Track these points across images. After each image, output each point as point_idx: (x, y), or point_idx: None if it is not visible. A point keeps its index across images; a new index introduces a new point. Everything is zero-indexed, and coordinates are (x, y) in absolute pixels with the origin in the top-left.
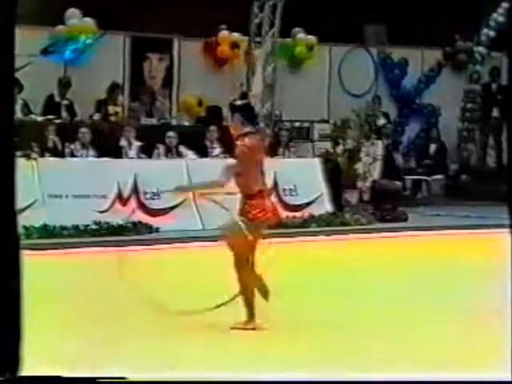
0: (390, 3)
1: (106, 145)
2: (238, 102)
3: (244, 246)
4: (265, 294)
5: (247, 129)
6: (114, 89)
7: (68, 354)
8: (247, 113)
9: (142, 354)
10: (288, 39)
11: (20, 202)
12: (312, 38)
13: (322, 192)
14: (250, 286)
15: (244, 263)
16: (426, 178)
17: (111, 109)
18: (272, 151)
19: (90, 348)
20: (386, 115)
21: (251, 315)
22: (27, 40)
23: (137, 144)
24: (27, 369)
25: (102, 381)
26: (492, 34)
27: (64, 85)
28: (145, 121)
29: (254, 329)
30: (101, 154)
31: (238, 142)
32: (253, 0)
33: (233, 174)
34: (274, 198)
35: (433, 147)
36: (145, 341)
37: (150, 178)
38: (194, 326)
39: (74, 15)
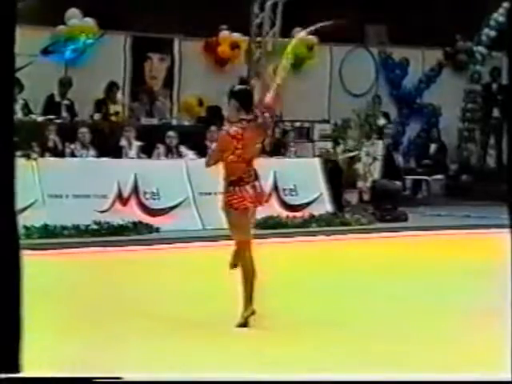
0: (391, 3)
1: (106, 145)
2: (236, 88)
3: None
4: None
5: (242, 115)
6: (112, 88)
7: (68, 354)
8: (243, 99)
9: (142, 353)
10: (289, 39)
11: (20, 202)
12: (313, 38)
13: (322, 192)
14: (251, 271)
15: (245, 248)
16: (427, 177)
17: (111, 108)
18: (272, 151)
19: (90, 348)
20: (386, 115)
21: (249, 301)
22: (28, 40)
23: (137, 144)
24: (27, 369)
25: (102, 381)
26: (492, 33)
27: (65, 85)
28: (145, 121)
29: (253, 313)
30: (101, 153)
31: (223, 128)
32: (253, 0)
33: (214, 159)
34: (262, 188)
35: (433, 147)
36: (145, 341)
37: (150, 177)
38: (195, 326)
39: (74, 15)
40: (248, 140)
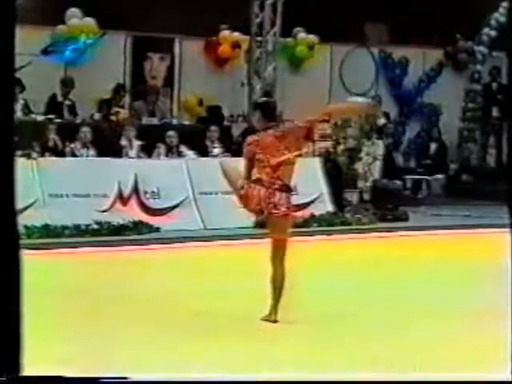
0: (392, 2)
1: (107, 144)
2: (260, 100)
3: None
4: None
5: (267, 124)
6: (119, 90)
7: (68, 354)
8: (266, 110)
9: (143, 353)
10: (289, 39)
11: (20, 202)
12: (313, 38)
13: (322, 192)
14: (279, 278)
15: (276, 255)
16: (427, 177)
17: (113, 109)
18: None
19: (91, 348)
20: (386, 115)
21: (274, 308)
22: (28, 40)
23: (137, 143)
24: (27, 369)
25: (102, 381)
26: (493, 33)
27: (67, 85)
28: (145, 120)
29: (274, 322)
30: (101, 153)
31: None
32: None
33: (246, 169)
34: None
35: (433, 147)
36: (145, 340)
37: (150, 177)
38: (195, 326)
39: (74, 15)
40: (265, 144)
